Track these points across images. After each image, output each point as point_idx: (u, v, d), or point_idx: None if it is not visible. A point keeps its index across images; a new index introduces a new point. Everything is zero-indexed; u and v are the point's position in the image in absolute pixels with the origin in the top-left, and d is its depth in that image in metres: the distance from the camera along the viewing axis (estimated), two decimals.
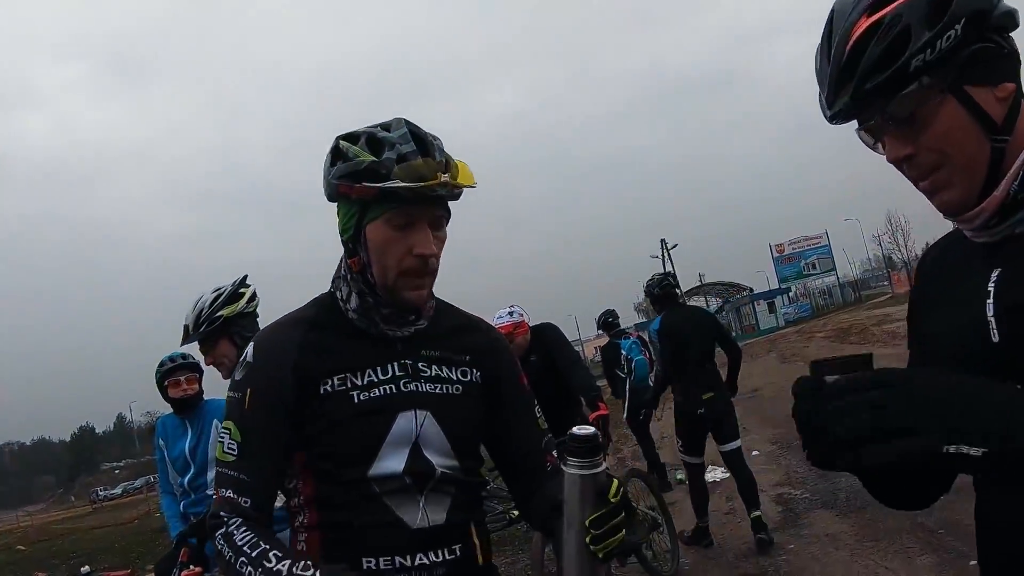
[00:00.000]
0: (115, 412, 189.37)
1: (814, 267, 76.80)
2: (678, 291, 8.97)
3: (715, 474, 11.47)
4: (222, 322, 3.98)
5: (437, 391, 2.11)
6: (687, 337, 8.09)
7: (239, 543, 1.93)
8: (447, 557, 2.04)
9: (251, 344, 2.14)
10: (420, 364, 2.12)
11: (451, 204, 2.09)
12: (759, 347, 40.52)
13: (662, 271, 8.35)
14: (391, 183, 1.93)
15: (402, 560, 2.00)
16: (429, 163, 1.96)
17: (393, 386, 2.06)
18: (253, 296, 4.04)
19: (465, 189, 2.06)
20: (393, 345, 2.12)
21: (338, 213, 2.10)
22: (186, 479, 5.30)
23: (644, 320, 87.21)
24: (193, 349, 4.36)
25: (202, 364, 5.31)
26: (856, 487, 8.62)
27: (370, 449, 2.01)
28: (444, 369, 2.15)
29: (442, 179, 1.96)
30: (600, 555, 1.83)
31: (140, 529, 36.71)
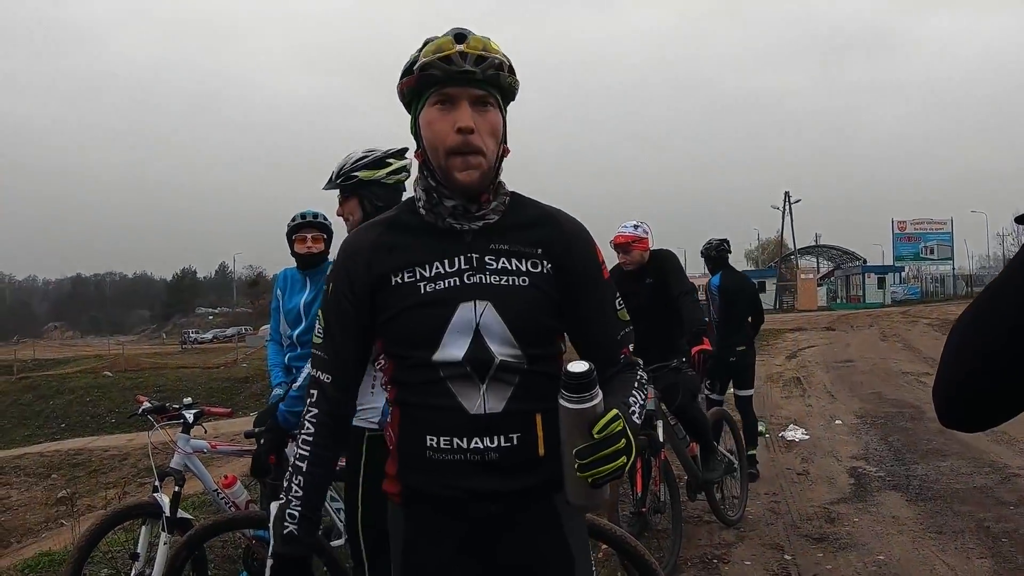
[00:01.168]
0: (219, 260, 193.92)
1: (932, 252, 74.87)
2: (730, 255, 9.76)
3: (796, 434, 11.49)
4: (356, 182, 4.05)
5: (502, 283, 2.21)
6: (736, 297, 9.38)
7: (300, 445, 2.37)
8: (502, 444, 2.16)
9: (340, 245, 2.41)
10: (487, 257, 2.22)
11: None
12: (861, 319, 39.90)
13: (719, 237, 8.26)
14: (420, 62, 2.16)
15: (459, 442, 2.16)
16: (447, 39, 2.16)
17: (457, 278, 2.20)
18: (400, 170, 4.07)
19: (517, 83, 2.23)
20: (462, 239, 2.23)
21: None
22: (295, 332, 5.50)
23: (753, 268, 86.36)
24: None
25: (332, 225, 5.50)
26: (931, 477, 8.60)
27: (434, 336, 2.17)
28: (512, 261, 2.23)
29: (457, 48, 2.13)
30: (589, 481, 1.93)
31: (225, 376, 37.81)
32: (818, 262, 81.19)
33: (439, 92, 2.16)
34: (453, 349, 2.16)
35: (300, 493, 2.32)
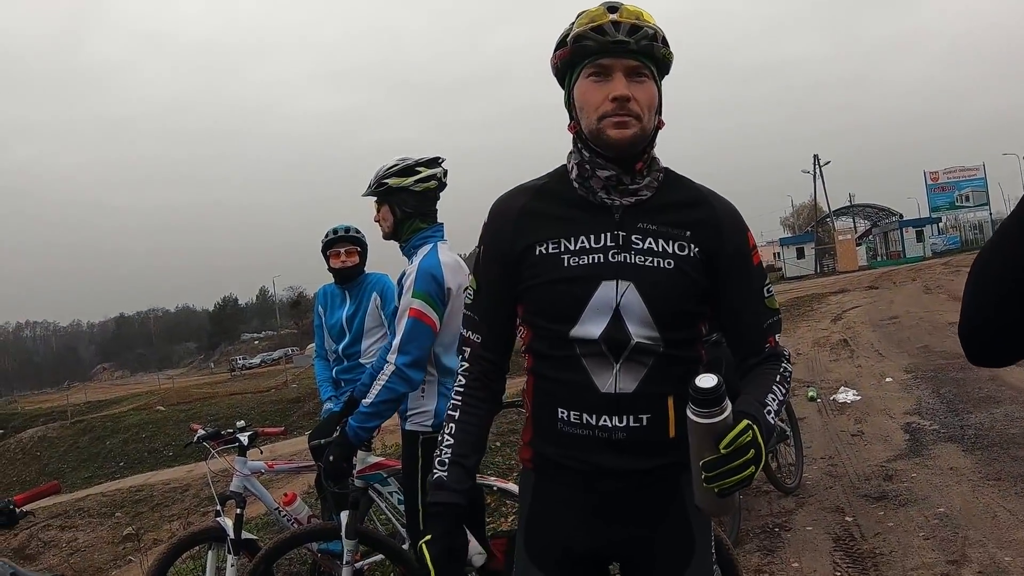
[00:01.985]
0: (258, 285, 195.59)
1: (967, 199, 73.98)
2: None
3: (847, 396, 11.45)
4: (385, 189, 4.17)
5: (646, 263, 2.17)
6: None
7: (452, 396, 2.41)
8: (631, 424, 2.16)
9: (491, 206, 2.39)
10: (634, 236, 2.19)
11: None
12: (903, 275, 39.54)
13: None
14: (573, 33, 2.14)
15: (588, 418, 2.17)
16: (600, 10, 2.15)
17: (601, 255, 2.18)
18: (428, 178, 4.16)
19: (671, 55, 2.21)
20: (611, 215, 2.21)
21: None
22: (340, 346, 5.59)
23: (790, 235, 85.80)
24: None
25: (365, 237, 5.58)
26: (985, 425, 8.55)
27: (573, 311, 2.17)
28: (660, 242, 2.19)
29: (610, 18, 2.11)
30: (716, 491, 1.90)
31: (276, 398, 38.07)
32: (854, 222, 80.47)
33: (593, 63, 2.14)
34: (591, 326, 2.16)
35: (451, 441, 2.33)
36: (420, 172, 4.15)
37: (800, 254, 73.12)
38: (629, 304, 2.15)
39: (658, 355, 2.17)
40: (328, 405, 5.70)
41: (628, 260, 2.17)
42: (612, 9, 2.13)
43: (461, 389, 2.39)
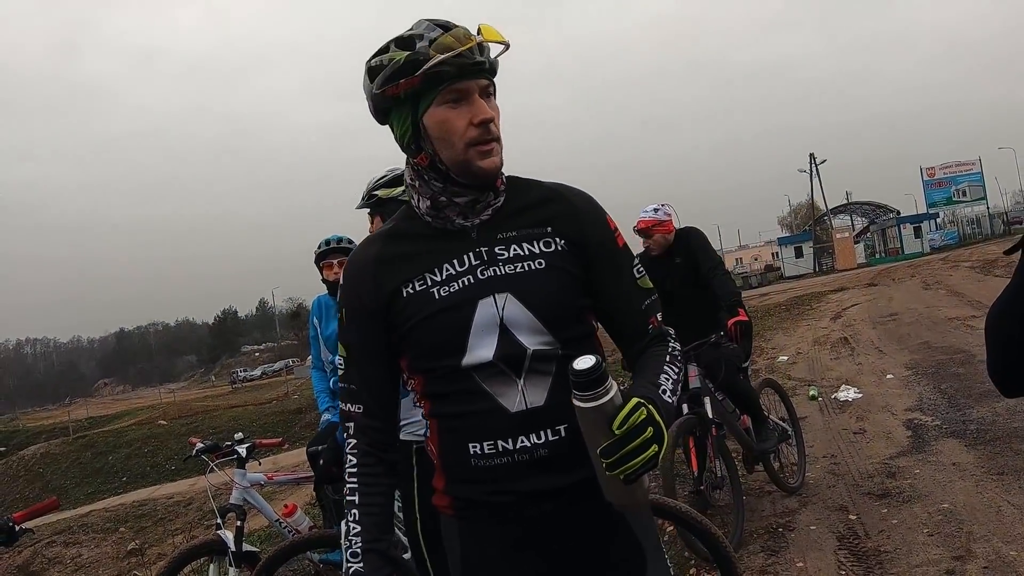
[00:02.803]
0: (258, 297, 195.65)
1: (964, 194, 74.02)
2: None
3: (848, 394, 11.44)
4: (376, 201, 4.18)
5: (517, 270, 2.10)
6: None
7: (347, 480, 2.26)
8: (550, 438, 2.05)
9: (344, 267, 2.31)
10: (496, 248, 2.12)
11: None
12: (902, 271, 39.55)
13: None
14: (432, 62, 2.00)
15: (504, 444, 2.06)
16: (457, 34, 2.03)
17: (470, 277, 2.10)
18: None
19: (499, 63, 2.12)
20: (467, 236, 2.14)
21: (392, 126, 2.17)
22: (337, 357, 5.58)
23: (788, 234, 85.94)
24: None
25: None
26: (987, 420, 8.53)
27: (458, 341, 2.07)
28: (524, 246, 2.13)
29: (476, 40, 2.04)
30: (621, 478, 1.83)
31: (278, 410, 38.10)
32: (852, 220, 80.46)
33: (449, 89, 2.04)
34: (481, 350, 2.06)
35: (357, 529, 2.19)
36: None
37: (798, 253, 73.22)
38: (513, 315, 2.07)
39: (559, 359, 2.07)
40: (326, 416, 5.72)
41: (498, 272, 2.10)
42: (466, 35, 2.05)
43: (354, 470, 2.24)
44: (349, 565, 2.18)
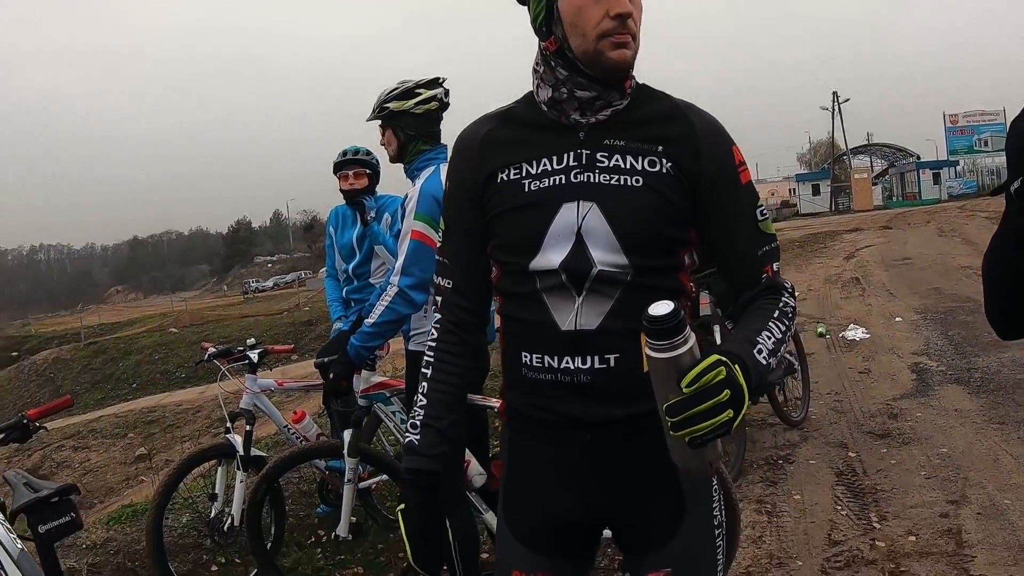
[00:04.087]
0: (272, 208, 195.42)
1: (986, 144, 73.01)
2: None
3: (856, 333, 11.48)
4: (387, 113, 4.19)
5: (611, 182, 1.97)
6: None
7: (425, 353, 2.24)
8: (596, 366, 1.95)
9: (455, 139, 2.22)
10: (599, 154, 1.99)
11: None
12: (917, 216, 39.29)
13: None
14: None
15: (550, 360, 1.98)
16: None
17: (563, 177, 1.99)
18: (430, 100, 4.16)
19: None
20: (575, 134, 2.02)
21: (528, 5, 2.05)
22: (350, 266, 5.65)
23: (807, 171, 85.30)
24: None
25: (376, 159, 5.59)
26: (992, 369, 8.57)
27: (533, 240, 1.98)
28: (627, 159, 1.98)
29: None
30: (685, 440, 1.65)
31: (289, 321, 38.27)
32: (871, 161, 79.73)
33: None
34: (551, 255, 1.96)
35: (423, 402, 2.17)
36: (420, 94, 4.15)
37: (815, 191, 72.52)
38: (592, 227, 1.95)
39: (626, 285, 1.95)
40: (337, 324, 5.80)
41: (591, 179, 1.98)
42: None
43: (433, 344, 2.22)
44: (407, 436, 2.19)
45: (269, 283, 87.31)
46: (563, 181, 1.99)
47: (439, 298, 2.24)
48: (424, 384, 2.19)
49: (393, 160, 4.32)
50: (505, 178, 2.05)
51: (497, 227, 2.07)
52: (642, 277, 1.96)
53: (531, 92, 2.12)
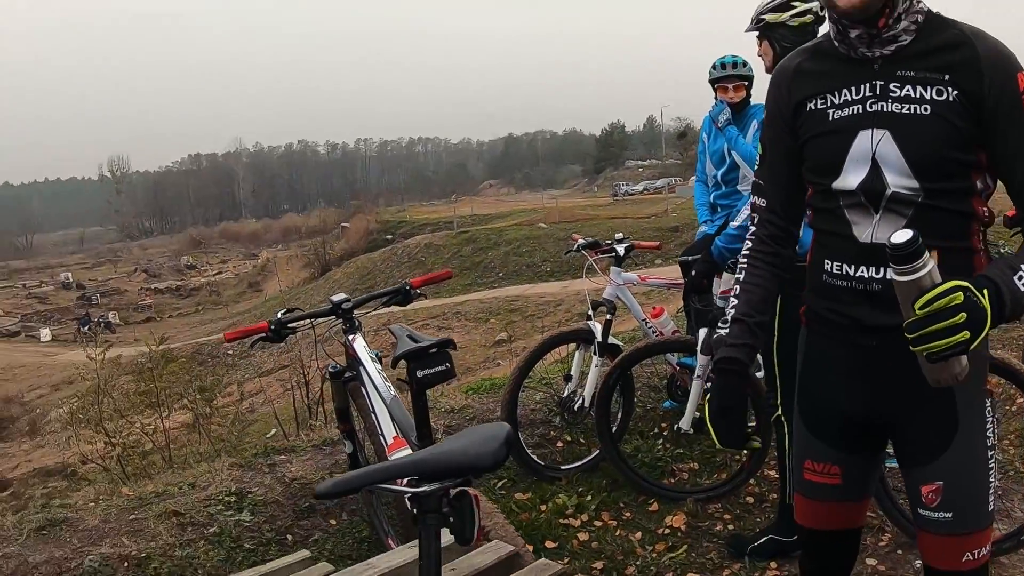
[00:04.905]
0: (647, 113, 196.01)
1: None
2: None
3: None
4: (763, 25, 4.22)
5: (901, 111, 2.12)
6: None
7: (739, 259, 2.56)
8: (887, 276, 2.06)
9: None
10: (892, 84, 2.14)
11: None
12: None
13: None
14: None
15: (848, 269, 2.23)
16: None
17: (860, 106, 2.18)
18: (803, 13, 4.11)
19: None
20: (870, 67, 2.18)
21: None
22: (719, 172, 5.70)
23: None
24: None
25: (751, 69, 5.60)
26: None
27: (835, 163, 2.22)
28: (917, 88, 2.11)
29: None
30: (924, 355, 1.89)
31: (655, 225, 38.45)
32: None
33: None
34: (851, 177, 2.18)
35: (735, 301, 2.47)
36: (796, 7, 4.13)
37: None
38: (885, 152, 2.14)
39: (917, 205, 2.13)
40: (703, 228, 5.90)
41: (884, 109, 2.15)
42: None
43: (747, 252, 2.51)
44: (719, 329, 2.50)
45: (639, 187, 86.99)
46: (860, 111, 2.19)
47: (754, 216, 2.54)
48: (737, 287, 2.49)
49: (769, 71, 4.36)
50: (813, 107, 2.28)
51: (806, 151, 2.31)
52: (932, 199, 2.13)
53: None
